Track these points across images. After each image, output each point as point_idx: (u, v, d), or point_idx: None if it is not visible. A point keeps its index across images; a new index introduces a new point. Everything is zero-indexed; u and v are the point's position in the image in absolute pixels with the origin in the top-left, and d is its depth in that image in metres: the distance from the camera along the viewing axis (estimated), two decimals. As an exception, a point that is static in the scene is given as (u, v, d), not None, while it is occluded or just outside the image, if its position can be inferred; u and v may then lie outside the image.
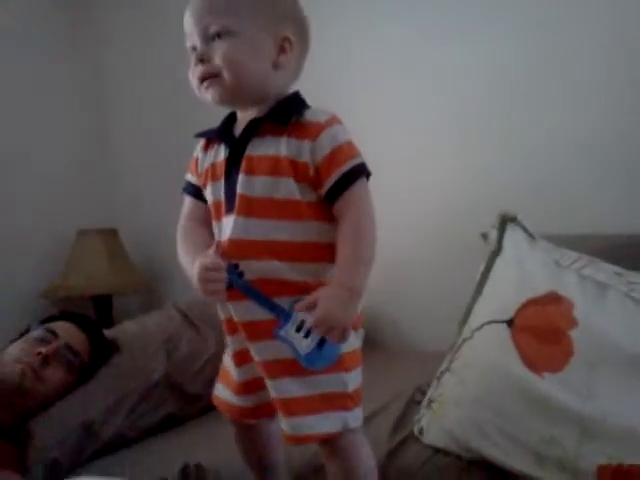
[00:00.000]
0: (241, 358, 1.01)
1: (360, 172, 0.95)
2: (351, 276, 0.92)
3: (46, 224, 2.52)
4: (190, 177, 1.06)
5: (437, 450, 1.18)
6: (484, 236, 1.64)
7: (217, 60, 0.94)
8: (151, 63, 2.50)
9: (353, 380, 0.96)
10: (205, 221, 1.03)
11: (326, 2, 2.05)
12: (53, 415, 1.37)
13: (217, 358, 1.58)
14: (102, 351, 1.57)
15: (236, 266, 0.94)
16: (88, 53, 2.70)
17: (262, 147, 0.96)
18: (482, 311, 1.31)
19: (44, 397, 1.40)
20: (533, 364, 1.14)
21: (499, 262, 1.38)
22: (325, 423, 0.94)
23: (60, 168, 2.59)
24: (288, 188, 0.93)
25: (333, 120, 0.96)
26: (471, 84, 1.90)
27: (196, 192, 1.05)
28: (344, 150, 0.94)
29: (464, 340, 1.28)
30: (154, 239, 2.56)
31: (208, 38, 0.95)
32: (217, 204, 0.99)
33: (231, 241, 0.95)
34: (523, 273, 1.30)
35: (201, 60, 0.95)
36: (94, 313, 2.42)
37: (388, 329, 2.09)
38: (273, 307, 0.93)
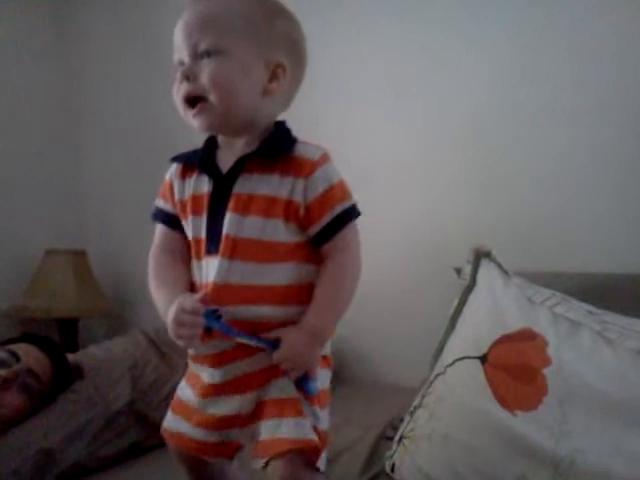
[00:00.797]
0: (217, 388, 0.96)
1: (351, 215, 0.94)
2: (321, 319, 0.91)
3: (13, 242, 2.46)
4: (163, 204, 1.00)
5: (408, 487, 1.16)
6: (458, 271, 1.65)
7: (204, 79, 0.89)
8: (128, 82, 2.48)
9: (323, 419, 0.94)
10: (181, 254, 0.98)
11: (310, 14, 2.07)
12: (9, 441, 1.32)
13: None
14: (65, 376, 1.52)
15: (215, 310, 0.89)
16: (63, 67, 2.67)
17: (252, 185, 0.91)
18: (455, 346, 1.31)
19: (1, 422, 1.35)
20: (506, 402, 1.13)
21: (473, 297, 1.38)
22: (297, 429, 0.88)
23: (31, 186, 2.54)
24: (277, 229, 0.90)
25: (326, 157, 0.93)
26: (448, 116, 1.91)
27: (170, 221, 0.99)
28: (337, 191, 0.92)
29: (437, 375, 1.27)
30: (123, 262, 2.51)
31: (197, 55, 0.90)
32: (198, 241, 0.94)
33: (215, 285, 0.90)
34: (496, 309, 1.30)
35: (187, 77, 0.90)
36: (58, 336, 2.36)
37: (359, 363, 2.06)
38: (259, 340, 0.91)
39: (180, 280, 0.95)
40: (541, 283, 1.35)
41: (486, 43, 1.84)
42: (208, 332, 0.88)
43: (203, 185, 0.95)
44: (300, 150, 0.92)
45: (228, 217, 0.90)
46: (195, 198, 0.95)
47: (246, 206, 0.90)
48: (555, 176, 1.74)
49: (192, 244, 0.95)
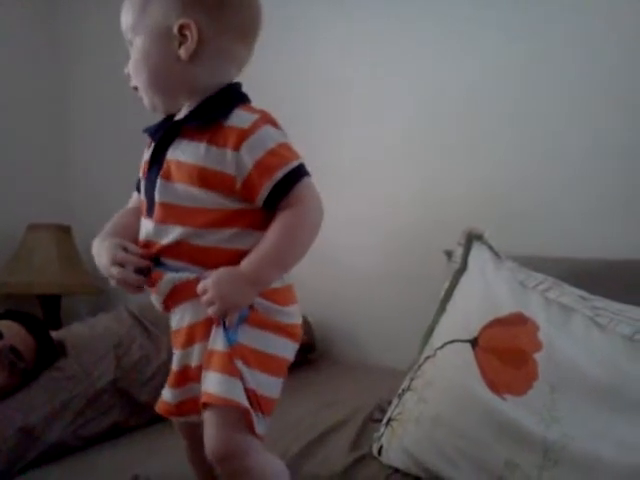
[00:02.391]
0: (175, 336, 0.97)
1: (296, 177, 0.88)
2: (257, 264, 0.87)
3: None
4: (140, 172, 1.03)
5: (396, 470, 1.14)
6: (448, 254, 1.63)
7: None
8: (115, 57, 2.42)
9: (264, 384, 0.90)
10: (140, 214, 0.99)
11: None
12: (-11, 419, 1.29)
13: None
14: (48, 354, 1.50)
15: (157, 259, 0.93)
16: (51, 39, 2.61)
17: (181, 151, 0.91)
18: (445, 329, 1.29)
19: (-18, 400, 1.33)
20: (496, 386, 1.12)
21: (464, 280, 1.37)
22: (220, 385, 0.86)
23: (15, 159, 2.49)
24: (209, 197, 0.89)
25: (258, 123, 0.89)
26: (441, 99, 1.89)
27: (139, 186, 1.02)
28: (272, 157, 0.87)
29: (426, 358, 1.26)
30: (108, 239, 2.47)
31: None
32: (142, 203, 0.98)
33: (144, 244, 0.94)
34: (488, 292, 1.29)
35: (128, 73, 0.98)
36: (41, 313, 2.33)
37: (347, 345, 2.06)
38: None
39: (130, 229, 0.99)
40: (532, 267, 1.34)
41: (484, 22, 1.82)
42: (148, 277, 0.92)
43: (150, 151, 0.97)
44: (234, 118, 0.89)
45: (158, 182, 0.92)
46: (145, 163, 0.98)
47: (172, 173, 0.91)
48: (548, 161, 1.73)
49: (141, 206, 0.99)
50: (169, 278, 0.91)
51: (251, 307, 0.90)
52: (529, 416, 1.05)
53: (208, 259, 0.90)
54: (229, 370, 0.86)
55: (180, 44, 0.90)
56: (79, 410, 1.40)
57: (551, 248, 1.60)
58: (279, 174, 0.87)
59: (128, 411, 1.47)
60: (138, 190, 1.03)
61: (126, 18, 0.95)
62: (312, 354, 1.99)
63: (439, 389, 1.18)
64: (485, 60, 1.82)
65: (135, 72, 0.95)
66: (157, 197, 0.92)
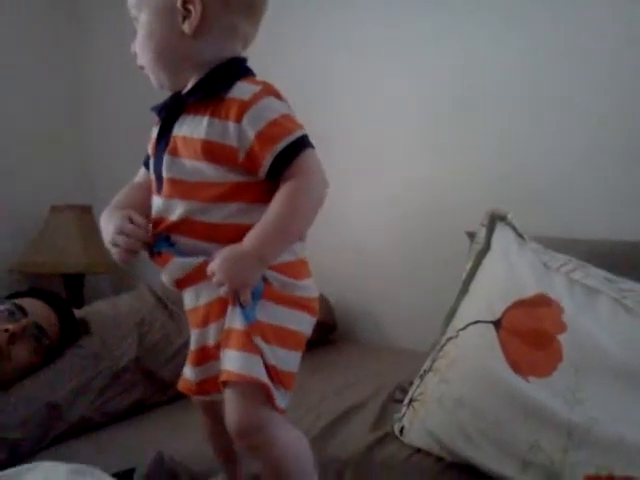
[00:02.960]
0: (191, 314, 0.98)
1: (298, 147, 0.87)
2: (261, 239, 0.86)
3: (19, 197, 2.44)
4: (148, 148, 1.02)
5: (418, 450, 1.15)
6: (470, 235, 1.62)
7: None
8: (129, 44, 2.42)
9: (284, 359, 0.89)
10: (148, 189, 0.99)
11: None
12: (17, 394, 1.30)
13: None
14: (71, 331, 1.51)
15: (167, 237, 0.93)
16: (68, 21, 2.61)
17: (186, 127, 0.91)
18: (468, 310, 1.29)
19: (8, 376, 1.34)
20: (519, 367, 1.11)
21: (487, 261, 1.36)
22: (239, 362, 0.85)
23: (36, 142, 2.51)
24: (213, 171, 0.88)
25: (261, 94, 0.88)
26: (464, 79, 1.87)
27: (148, 162, 1.02)
28: (274, 127, 0.86)
29: (448, 339, 1.25)
30: (130, 218, 2.49)
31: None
32: (152, 181, 0.97)
33: (155, 221, 0.94)
34: (511, 273, 1.27)
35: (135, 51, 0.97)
36: (65, 292, 2.35)
37: (367, 325, 2.06)
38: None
39: (138, 203, 0.99)
40: (554, 249, 1.32)
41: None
42: (157, 254, 0.93)
43: (157, 128, 0.97)
44: (235, 90, 0.88)
45: (164, 159, 0.92)
46: (153, 141, 0.98)
47: (179, 148, 0.91)
48: (568, 142, 1.71)
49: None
50: (180, 264, 0.92)
51: (266, 282, 0.89)
52: (553, 398, 1.04)
53: (216, 235, 0.89)
54: (248, 347, 0.86)
55: (184, 18, 0.89)
56: (103, 387, 1.41)
57: (571, 229, 1.58)
58: (281, 144, 0.86)
59: (151, 389, 1.49)
60: (146, 166, 1.03)
61: None
62: (333, 334, 2.00)
63: (461, 370, 1.18)
64: (499, 43, 1.80)
65: (141, 49, 0.95)
66: (164, 173, 0.92)
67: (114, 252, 0.94)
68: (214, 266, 0.87)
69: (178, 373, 1.52)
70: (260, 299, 0.89)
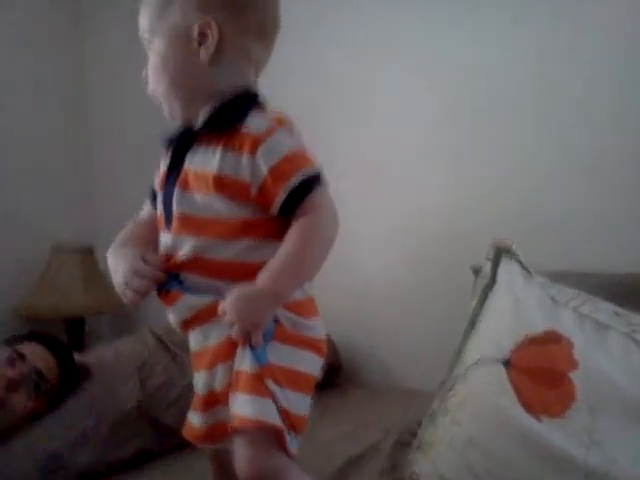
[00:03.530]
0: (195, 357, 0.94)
1: (312, 184, 0.85)
2: (273, 278, 0.84)
3: (20, 238, 2.42)
4: (155, 183, 1.00)
5: (430, 496, 1.11)
6: (475, 271, 1.60)
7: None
8: (139, 79, 2.44)
9: (296, 402, 0.86)
10: (153, 225, 0.97)
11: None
12: (17, 445, 1.28)
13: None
14: (71, 376, 1.48)
15: (176, 275, 0.90)
16: (75, 57, 2.62)
17: (198, 159, 0.89)
18: (476, 348, 1.26)
19: (7, 425, 1.31)
20: (531, 407, 1.08)
21: (493, 296, 1.34)
22: (251, 406, 0.82)
23: (39, 181, 2.50)
24: (225, 206, 0.86)
25: (274, 127, 0.86)
26: (468, 109, 1.86)
27: (155, 197, 0.99)
28: (288, 163, 0.85)
29: (457, 379, 1.22)
30: (131, 259, 2.47)
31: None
32: (160, 216, 0.95)
33: (166, 257, 0.91)
34: (519, 309, 1.25)
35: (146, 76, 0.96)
36: (65, 335, 2.32)
37: (372, 366, 2.02)
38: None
39: (144, 240, 0.97)
40: (562, 282, 1.30)
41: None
42: (165, 292, 0.90)
43: (167, 161, 0.95)
44: (249, 122, 0.87)
45: (175, 193, 0.89)
46: (162, 174, 0.95)
47: (190, 182, 0.88)
48: (579, 174, 1.69)
49: (158, 219, 0.96)
50: (189, 302, 0.89)
51: (276, 321, 0.87)
52: (568, 439, 1.02)
53: (227, 273, 0.87)
54: (260, 391, 0.83)
55: (200, 45, 0.88)
56: (105, 434, 1.38)
57: (578, 262, 1.56)
58: (294, 181, 0.85)
59: (155, 435, 1.45)
60: (152, 202, 1.00)
61: (144, 20, 0.93)
62: (339, 376, 1.96)
63: (472, 410, 1.15)
64: (505, 70, 1.79)
65: (155, 78, 0.93)
66: (175, 208, 0.90)
67: (126, 294, 0.91)
68: (226, 305, 0.84)
69: (182, 418, 1.48)
70: (271, 340, 0.87)
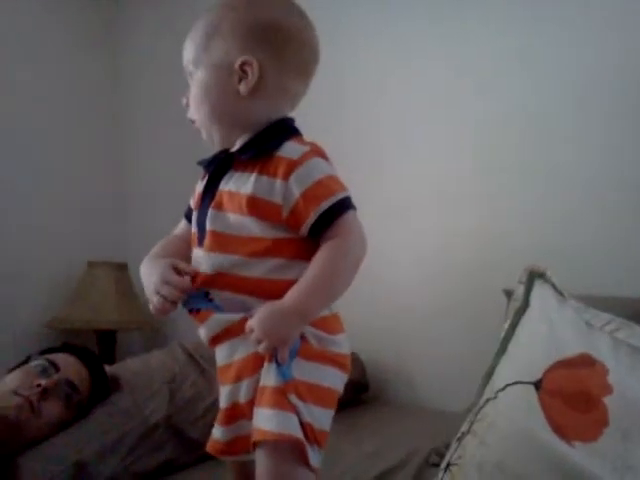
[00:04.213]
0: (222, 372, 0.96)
1: (342, 208, 0.89)
2: (301, 297, 0.86)
3: (56, 253, 2.48)
4: (191, 201, 1.04)
5: (456, 518, 1.09)
6: (508, 293, 1.58)
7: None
8: (175, 93, 2.48)
9: (318, 416, 0.87)
10: (186, 240, 1.01)
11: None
12: (44, 452, 1.29)
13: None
14: (102, 388, 1.50)
15: (206, 292, 0.92)
16: (109, 75, 2.70)
17: (233, 183, 0.92)
18: (507, 371, 1.24)
19: (38, 432, 1.33)
20: (563, 431, 1.06)
21: (525, 320, 1.32)
22: (273, 420, 0.84)
23: (74, 198, 2.56)
24: (257, 226, 0.89)
25: (309, 154, 0.90)
26: (501, 135, 1.86)
27: (191, 215, 1.02)
28: (321, 188, 0.88)
29: (487, 400, 1.20)
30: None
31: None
32: (193, 234, 0.98)
33: (197, 273, 0.93)
34: (552, 332, 1.24)
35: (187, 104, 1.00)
36: (97, 348, 2.36)
37: (400, 385, 2.00)
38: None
39: (177, 253, 1.00)
40: (595, 307, 1.28)
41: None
42: (196, 311, 0.92)
43: (203, 183, 0.99)
44: (284, 149, 0.90)
45: (209, 213, 0.93)
46: (198, 195, 0.99)
47: (224, 203, 0.92)
48: (612, 197, 1.67)
49: (192, 236, 0.99)
50: (219, 320, 0.92)
51: (302, 338, 0.89)
52: (601, 465, 0.99)
53: (256, 290, 0.90)
54: (284, 405, 0.85)
55: (240, 79, 0.92)
56: (132, 446, 1.39)
57: (613, 286, 1.53)
58: (325, 204, 0.88)
59: (181, 448, 1.45)
60: (187, 219, 1.04)
61: (188, 51, 0.97)
62: (365, 394, 1.94)
63: (502, 433, 1.13)
64: (540, 91, 1.79)
65: (195, 105, 0.97)
66: (208, 226, 0.93)
67: (155, 302, 0.93)
68: (253, 323, 0.86)
69: (208, 432, 1.48)
70: (296, 356, 0.88)
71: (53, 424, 1.36)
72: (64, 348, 1.58)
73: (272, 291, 0.89)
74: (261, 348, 0.86)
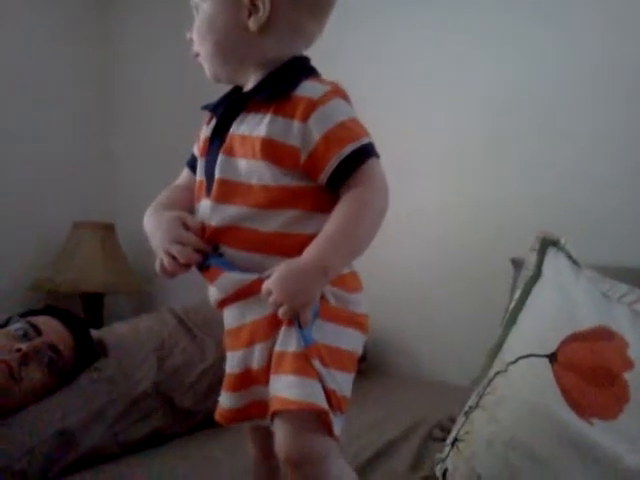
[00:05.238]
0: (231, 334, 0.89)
1: (365, 155, 0.81)
2: (322, 253, 0.79)
3: (40, 213, 2.39)
4: (194, 150, 0.96)
5: (464, 496, 1.03)
6: (515, 263, 1.52)
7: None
8: (162, 54, 2.38)
9: (340, 381, 0.82)
10: (191, 191, 0.93)
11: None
12: (25, 420, 1.21)
13: (214, 370, 1.44)
14: (87, 353, 1.42)
15: (215, 247, 0.85)
16: (98, 38, 2.60)
17: (246, 125, 0.85)
18: (517, 343, 1.18)
19: (18, 399, 1.26)
20: (580, 407, 1.00)
21: (537, 289, 1.25)
22: (295, 388, 0.78)
23: (61, 157, 2.47)
24: (272, 173, 0.81)
25: (330, 94, 0.82)
26: (508, 100, 1.78)
27: (194, 164, 0.95)
28: (343, 130, 0.81)
29: (497, 374, 1.14)
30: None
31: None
32: (199, 183, 0.90)
33: (204, 226, 0.86)
34: (566, 303, 1.17)
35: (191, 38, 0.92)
36: (83, 311, 2.28)
37: (401, 357, 1.94)
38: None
39: (183, 205, 0.92)
40: (613, 278, 1.21)
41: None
42: (205, 268, 0.84)
43: (211, 127, 0.91)
44: (303, 89, 0.83)
45: (219, 159, 0.85)
46: (205, 140, 0.91)
47: (235, 148, 0.85)
48: (626, 164, 1.60)
49: (196, 187, 0.91)
50: (231, 280, 0.84)
51: (322, 298, 0.82)
52: (621, 443, 0.94)
53: (269, 247, 0.82)
54: (307, 372, 0.78)
55: (250, 14, 0.84)
56: (118, 414, 1.31)
57: (629, 257, 1.47)
58: (348, 149, 0.80)
59: (170, 417, 1.39)
60: (191, 169, 0.96)
61: None
62: (362, 364, 1.88)
63: (513, 408, 1.06)
64: (555, 65, 1.71)
65: (199, 39, 0.89)
66: (217, 173, 0.85)
67: (166, 263, 0.85)
68: (271, 284, 0.78)
69: (200, 400, 1.42)
70: (317, 318, 0.81)
71: (35, 391, 1.28)
72: (47, 310, 1.50)
73: (289, 247, 0.81)
74: (281, 312, 0.78)
